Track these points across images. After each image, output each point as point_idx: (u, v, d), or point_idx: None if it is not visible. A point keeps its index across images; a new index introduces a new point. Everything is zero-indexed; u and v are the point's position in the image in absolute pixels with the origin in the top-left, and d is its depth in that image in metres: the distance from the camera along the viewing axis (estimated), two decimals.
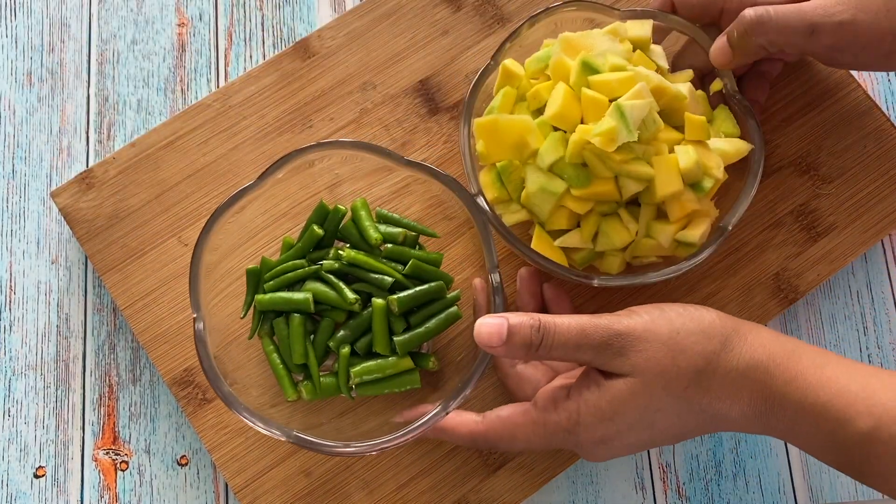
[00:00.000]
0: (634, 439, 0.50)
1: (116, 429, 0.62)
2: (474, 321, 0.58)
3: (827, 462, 0.49)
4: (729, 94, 0.60)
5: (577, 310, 0.63)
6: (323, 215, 0.58)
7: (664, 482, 0.62)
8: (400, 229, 0.58)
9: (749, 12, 0.55)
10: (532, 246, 0.57)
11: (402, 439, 0.50)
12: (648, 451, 0.63)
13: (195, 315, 0.52)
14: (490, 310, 0.57)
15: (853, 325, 0.66)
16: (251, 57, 0.69)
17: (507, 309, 0.55)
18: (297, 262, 0.57)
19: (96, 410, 0.62)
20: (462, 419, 0.54)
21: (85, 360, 0.63)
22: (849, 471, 0.49)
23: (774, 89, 0.67)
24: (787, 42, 0.55)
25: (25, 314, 0.63)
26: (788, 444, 0.63)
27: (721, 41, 0.58)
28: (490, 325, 0.49)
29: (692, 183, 0.56)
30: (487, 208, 0.56)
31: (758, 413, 0.49)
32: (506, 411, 0.53)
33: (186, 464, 0.61)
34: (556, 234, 0.58)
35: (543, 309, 0.60)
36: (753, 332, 0.50)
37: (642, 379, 0.48)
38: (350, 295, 0.55)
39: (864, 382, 0.48)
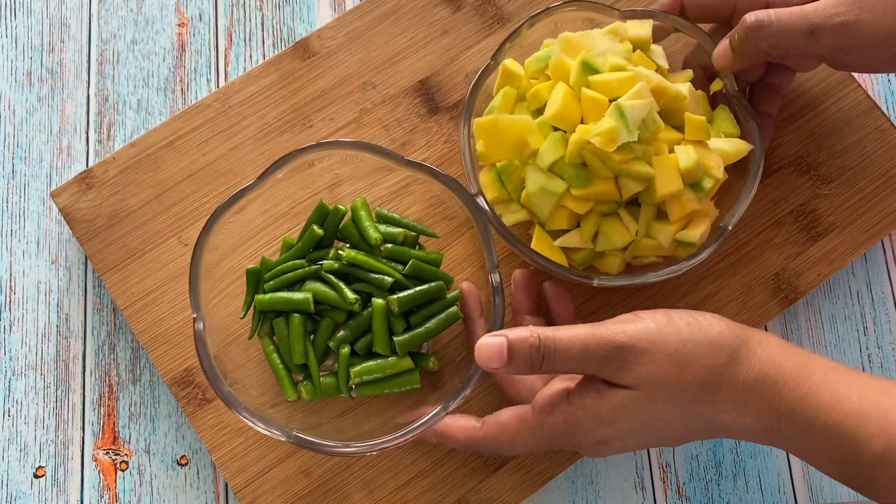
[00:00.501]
0: (635, 442, 0.50)
1: (116, 429, 0.62)
2: (466, 327, 0.58)
3: (836, 478, 0.48)
4: (729, 94, 0.60)
5: (577, 310, 0.62)
6: (323, 215, 0.58)
7: (664, 482, 0.62)
8: (400, 229, 0.58)
9: (750, 16, 0.55)
10: (532, 246, 0.58)
11: (402, 439, 0.50)
12: (648, 451, 0.63)
13: (195, 315, 0.52)
14: (483, 311, 0.57)
15: (853, 325, 0.66)
16: (251, 57, 0.69)
17: (506, 309, 0.54)
18: (297, 262, 0.57)
19: (96, 410, 0.62)
20: (461, 425, 0.54)
21: (85, 360, 0.63)
22: (858, 488, 0.48)
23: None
24: (788, 45, 0.55)
25: (25, 314, 0.63)
26: None
27: (723, 45, 0.57)
28: (490, 346, 0.48)
29: (692, 183, 0.56)
30: (487, 208, 0.56)
31: (764, 427, 0.48)
32: (504, 416, 0.53)
33: (186, 464, 0.61)
34: (556, 234, 0.58)
35: (542, 308, 0.60)
36: (763, 345, 0.49)
37: (646, 391, 0.47)
38: (350, 295, 0.55)
39: (877, 400, 0.47)
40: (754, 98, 0.63)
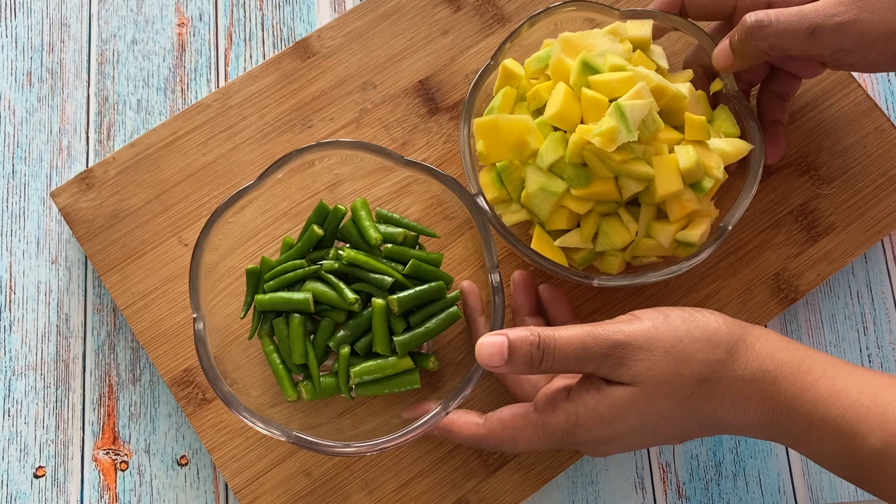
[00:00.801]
0: (636, 440, 0.50)
1: (116, 429, 0.62)
2: (468, 325, 0.58)
3: (835, 472, 0.49)
4: (729, 94, 0.60)
5: (577, 310, 0.63)
6: (323, 215, 0.58)
7: (664, 482, 0.62)
8: (400, 229, 0.58)
9: (749, 17, 0.55)
10: (532, 246, 0.58)
11: (402, 439, 0.50)
12: (648, 451, 0.63)
13: (195, 315, 0.52)
14: (484, 309, 0.57)
15: (853, 325, 0.66)
16: (251, 57, 0.69)
17: (506, 309, 0.55)
18: (297, 262, 0.57)
19: (96, 410, 0.62)
20: (465, 421, 0.54)
21: (85, 360, 0.63)
22: (859, 483, 0.48)
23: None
24: (788, 45, 0.54)
25: (25, 314, 0.63)
26: None
27: (723, 45, 0.57)
28: (491, 345, 0.49)
29: (692, 183, 0.56)
30: (487, 208, 0.56)
31: (764, 423, 0.48)
32: (506, 413, 0.53)
33: (186, 464, 0.61)
34: (556, 234, 0.58)
35: (540, 309, 0.60)
36: (762, 340, 0.49)
37: (644, 388, 0.48)
38: (350, 295, 0.55)
39: (876, 395, 0.47)
40: (762, 107, 0.62)
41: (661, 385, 0.48)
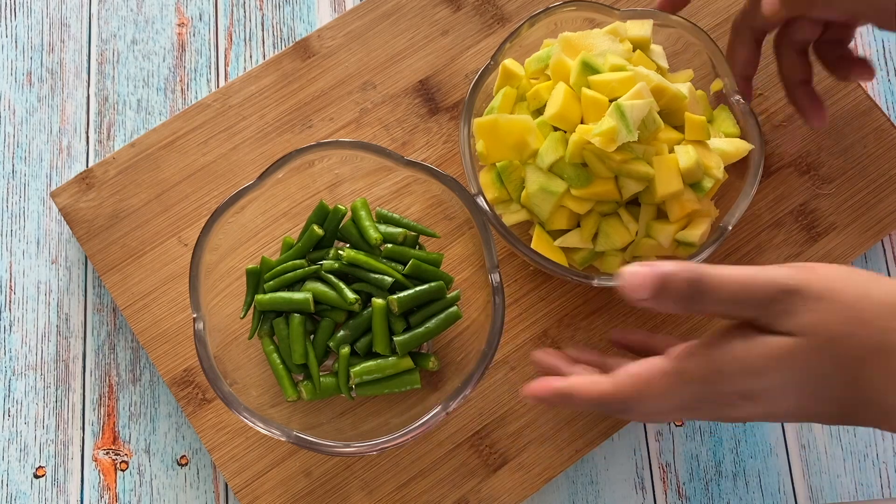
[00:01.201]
0: (784, 403, 0.44)
1: (116, 429, 0.62)
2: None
3: None
4: (729, 93, 0.60)
5: (576, 310, 0.62)
6: (323, 215, 0.58)
7: (664, 482, 0.62)
8: (400, 229, 0.58)
9: None
10: (532, 246, 0.58)
11: (402, 439, 0.50)
12: (649, 452, 0.63)
13: (195, 315, 0.52)
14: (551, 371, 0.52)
15: None
16: (251, 57, 0.69)
17: (506, 309, 0.54)
18: (297, 262, 0.57)
19: (96, 410, 0.62)
20: (591, 381, 0.48)
21: (85, 360, 0.63)
22: None
23: (773, 89, 0.67)
24: None
25: (25, 314, 0.63)
26: (788, 444, 0.63)
27: None
28: (643, 275, 0.43)
29: (692, 183, 0.56)
30: (487, 208, 0.56)
31: None
32: (634, 368, 0.46)
33: (186, 464, 0.61)
34: (556, 234, 0.58)
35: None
36: None
37: (808, 341, 0.42)
38: (350, 295, 0.55)
39: None
40: (785, 67, 0.60)
41: (830, 343, 0.42)
